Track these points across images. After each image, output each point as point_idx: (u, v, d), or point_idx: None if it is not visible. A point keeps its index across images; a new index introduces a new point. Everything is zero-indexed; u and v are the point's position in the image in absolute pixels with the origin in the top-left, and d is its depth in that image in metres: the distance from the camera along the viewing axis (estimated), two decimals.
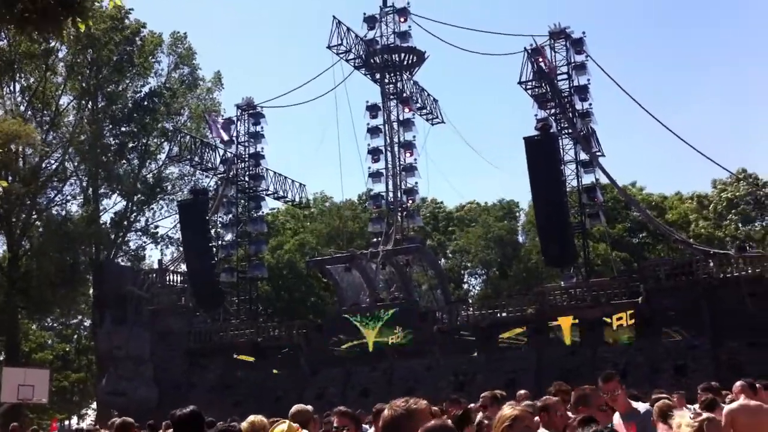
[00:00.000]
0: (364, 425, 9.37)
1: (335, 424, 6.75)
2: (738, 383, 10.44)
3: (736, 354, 32.83)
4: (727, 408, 9.26)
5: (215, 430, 7.18)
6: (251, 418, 6.98)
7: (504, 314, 38.93)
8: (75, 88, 54.30)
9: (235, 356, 42.30)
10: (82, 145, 52.83)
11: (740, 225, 61.44)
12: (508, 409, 4.95)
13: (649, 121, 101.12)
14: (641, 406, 7.75)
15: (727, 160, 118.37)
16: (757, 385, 10.75)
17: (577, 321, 36.39)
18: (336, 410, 7.11)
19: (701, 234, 56.92)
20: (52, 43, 49.68)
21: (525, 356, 36.81)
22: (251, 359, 42.08)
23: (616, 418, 7.48)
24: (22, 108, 52.25)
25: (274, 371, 41.29)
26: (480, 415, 8.26)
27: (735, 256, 36.51)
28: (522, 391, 10.75)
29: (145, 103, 56.54)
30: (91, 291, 50.75)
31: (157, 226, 59.46)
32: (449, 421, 4.34)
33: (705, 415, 5.22)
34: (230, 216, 49.90)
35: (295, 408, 8.09)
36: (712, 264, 36.17)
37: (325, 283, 57.71)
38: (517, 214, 69.52)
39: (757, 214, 61.92)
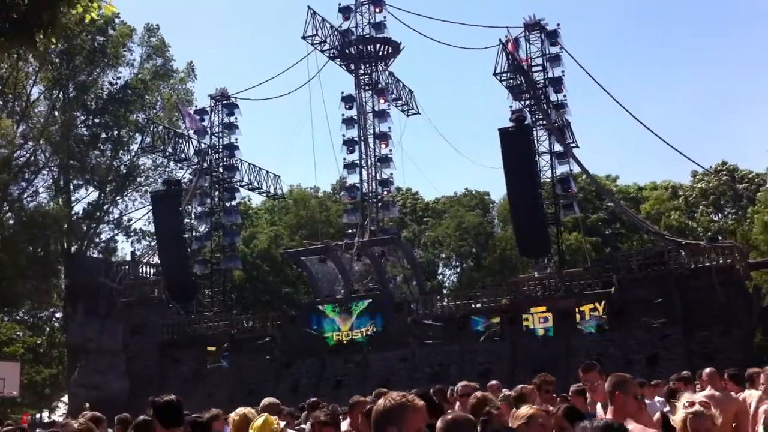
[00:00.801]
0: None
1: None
2: (706, 371, 10.45)
3: (708, 343, 33.22)
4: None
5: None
6: (241, 410, 6.91)
7: (478, 305, 39.06)
8: (47, 77, 53.65)
9: (208, 348, 42.09)
10: (54, 136, 52.24)
11: (713, 216, 62.15)
12: (524, 408, 5.00)
13: (623, 113, 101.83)
14: None
15: (708, 152, 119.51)
16: (725, 375, 10.79)
17: (550, 312, 36.64)
18: (316, 420, 6.98)
19: (673, 225, 57.45)
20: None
21: (499, 347, 36.97)
22: (225, 351, 41.91)
23: (598, 409, 7.45)
24: None
25: (248, 363, 41.16)
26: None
27: (706, 247, 36.87)
28: (493, 382, 10.75)
29: (119, 95, 56.03)
30: (63, 283, 50.24)
31: (130, 219, 59.05)
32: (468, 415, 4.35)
33: (695, 407, 5.16)
34: (204, 207, 49.60)
35: (266, 401, 8.05)
36: (684, 254, 36.54)
37: (299, 274, 57.56)
38: (489, 205, 69.72)
39: (733, 205, 62.58)
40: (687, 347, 33.65)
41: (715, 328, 33.47)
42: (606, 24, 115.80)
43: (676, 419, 5.23)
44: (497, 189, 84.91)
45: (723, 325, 33.46)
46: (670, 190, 64.91)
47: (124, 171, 57.06)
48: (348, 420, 8.30)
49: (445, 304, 40.61)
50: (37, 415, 60.98)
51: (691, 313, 34.06)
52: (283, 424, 7.01)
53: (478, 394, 7.05)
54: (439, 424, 3.95)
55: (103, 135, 56.18)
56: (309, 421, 9.13)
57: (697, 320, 33.80)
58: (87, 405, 30.43)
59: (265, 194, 53.89)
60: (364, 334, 39.39)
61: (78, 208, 56.39)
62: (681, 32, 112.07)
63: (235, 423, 6.78)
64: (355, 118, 47.06)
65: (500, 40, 41.25)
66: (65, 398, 53.99)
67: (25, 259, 47.21)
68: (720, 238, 42.06)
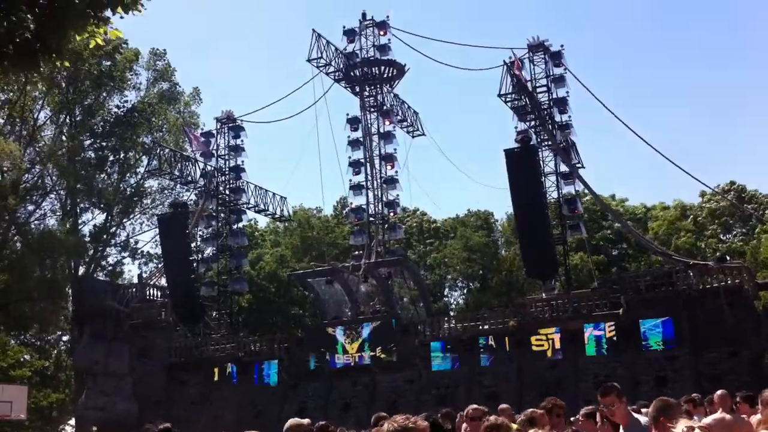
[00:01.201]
0: None
1: None
2: (717, 393, 10.37)
3: (716, 365, 33.01)
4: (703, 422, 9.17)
5: None
6: None
7: (486, 327, 38.91)
8: (54, 101, 54.00)
9: (215, 371, 42.02)
10: (61, 160, 52.48)
11: (721, 236, 61.92)
12: None
13: (629, 133, 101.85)
14: (643, 419, 7.59)
15: (716, 171, 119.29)
16: (738, 398, 10.68)
17: (558, 333, 36.47)
18: None
19: (682, 246, 57.25)
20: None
21: (506, 369, 36.80)
22: (232, 374, 41.83)
23: None
24: (0, 121, 51.89)
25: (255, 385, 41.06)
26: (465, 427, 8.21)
27: (715, 267, 36.69)
28: (504, 405, 10.66)
29: (126, 118, 56.34)
30: (70, 306, 50.27)
31: (137, 241, 59.18)
32: None
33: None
34: (210, 229, 49.69)
35: (291, 422, 7.92)
36: (692, 275, 36.37)
37: (305, 295, 57.52)
38: (493, 224, 69.60)
39: (740, 226, 62.39)
40: (695, 369, 33.45)
41: (723, 350, 33.27)
42: (610, 44, 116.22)
43: None
44: (503, 209, 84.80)
45: (731, 347, 33.27)
46: (679, 211, 64.80)
47: (131, 192, 57.21)
48: None
49: (452, 326, 40.45)
50: None
51: (700, 334, 33.87)
52: None
53: (492, 418, 7.01)
54: None
55: (111, 158, 56.44)
56: None
57: (706, 341, 33.60)
58: (94, 429, 30.40)
59: (271, 216, 53.99)
60: (372, 357, 39.28)
61: (85, 230, 56.59)
62: (686, 52, 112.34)
63: None
64: (361, 139, 47.19)
65: (504, 61, 41.43)
66: (72, 422, 53.88)
67: (32, 282, 47.24)
68: (728, 258, 41.84)
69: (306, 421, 8.48)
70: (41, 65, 6.31)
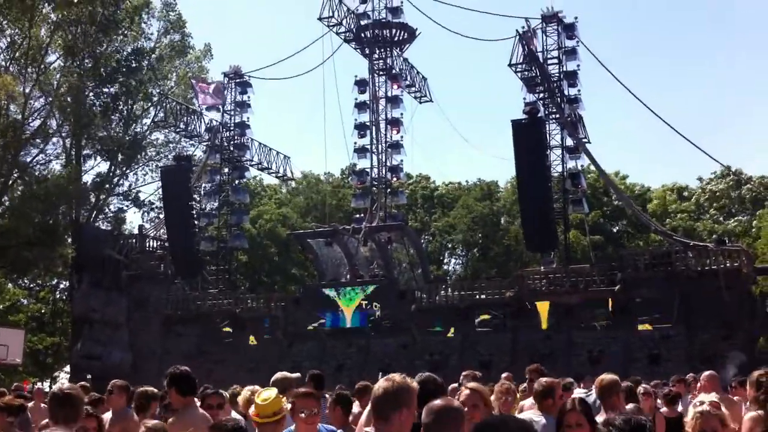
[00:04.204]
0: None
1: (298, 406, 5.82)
2: (706, 374, 10.22)
3: (710, 346, 33.15)
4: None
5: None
6: (250, 387, 6.99)
7: (482, 296, 39.04)
8: (60, 45, 53.53)
9: (212, 325, 42.24)
10: (66, 104, 52.18)
11: (721, 219, 61.88)
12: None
13: (637, 110, 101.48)
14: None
15: (715, 154, 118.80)
16: (732, 382, 10.64)
17: (553, 306, 36.57)
18: (296, 391, 6.19)
19: (679, 226, 57.25)
20: None
21: (500, 339, 36.97)
22: (228, 329, 42.04)
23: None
24: (5, 64, 51.45)
25: (251, 341, 41.29)
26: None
27: (714, 249, 36.71)
28: (506, 374, 10.65)
29: (133, 64, 55.82)
30: (69, 252, 50.33)
31: (139, 191, 59.09)
32: None
33: (704, 407, 5.20)
34: (213, 185, 49.65)
35: (278, 375, 7.96)
36: (691, 255, 36.39)
37: (305, 256, 57.65)
38: (497, 194, 69.55)
39: (738, 210, 62.35)
40: (688, 349, 33.60)
41: (718, 331, 33.39)
42: (622, 17, 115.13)
43: (687, 419, 5.28)
44: (506, 180, 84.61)
45: (726, 329, 33.38)
46: (677, 192, 64.80)
47: (135, 141, 56.94)
48: (357, 403, 8.35)
49: (449, 293, 40.57)
50: (38, 384, 61.33)
51: (695, 314, 33.96)
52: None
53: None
54: (425, 411, 3.89)
55: (116, 106, 56.12)
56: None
57: (701, 323, 33.71)
58: (88, 376, 30.59)
59: (274, 175, 53.91)
60: (367, 320, 39.46)
61: (87, 178, 56.44)
62: (691, 35, 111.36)
63: (245, 399, 6.83)
64: (368, 102, 46.96)
65: (517, 30, 41.04)
66: (67, 368, 54.27)
67: (33, 227, 47.23)
68: (727, 241, 41.82)
69: (296, 375, 8.51)
70: None
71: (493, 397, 7.13)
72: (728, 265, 35.11)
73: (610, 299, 35.76)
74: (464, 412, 4.03)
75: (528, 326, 36.78)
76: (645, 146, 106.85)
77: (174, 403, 6.85)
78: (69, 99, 51.93)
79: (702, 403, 5.27)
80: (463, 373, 9.06)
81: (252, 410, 5.79)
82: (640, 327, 34.92)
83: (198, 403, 7.05)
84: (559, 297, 36.76)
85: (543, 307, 36.67)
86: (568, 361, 33.45)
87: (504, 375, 10.17)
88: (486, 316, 37.84)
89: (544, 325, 36.49)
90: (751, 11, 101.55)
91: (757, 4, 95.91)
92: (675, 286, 34.69)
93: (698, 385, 10.73)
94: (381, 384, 4.07)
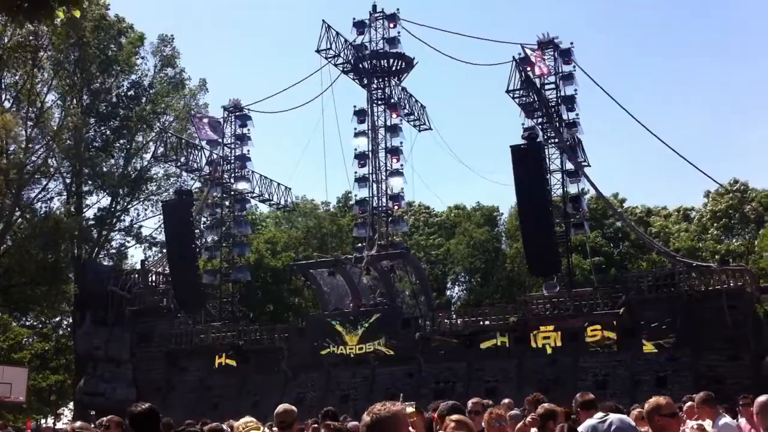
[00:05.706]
0: None
1: None
2: (699, 396, 9.50)
3: (716, 367, 32.98)
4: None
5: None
6: (244, 419, 6.99)
7: (486, 322, 38.90)
8: (61, 85, 53.96)
9: (216, 359, 42.08)
10: (67, 142, 52.45)
11: (723, 238, 61.79)
12: None
13: (635, 133, 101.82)
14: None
15: (718, 171, 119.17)
16: (740, 402, 10.47)
17: (558, 331, 36.43)
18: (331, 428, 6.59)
19: (682, 247, 57.16)
20: (41, 40, 49.52)
21: (506, 365, 36.79)
22: (233, 362, 41.87)
23: None
24: (7, 104, 51.82)
25: (255, 374, 41.11)
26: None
27: (717, 270, 36.63)
28: (506, 400, 10.61)
29: (132, 102, 56.24)
30: (72, 290, 50.30)
31: (141, 226, 59.18)
32: None
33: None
34: (214, 218, 49.73)
35: (280, 408, 7.93)
36: (694, 276, 36.31)
37: (307, 286, 57.54)
38: (498, 219, 69.51)
39: (741, 228, 62.25)
40: (695, 370, 33.41)
41: (723, 352, 33.24)
42: (619, 43, 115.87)
43: None
44: (507, 206, 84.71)
45: (732, 350, 33.23)
46: (682, 213, 64.69)
47: (136, 176, 57.15)
48: None
49: (453, 320, 40.42)
50: (42, 421, 60.99)
51: (700, 336, 33.82)
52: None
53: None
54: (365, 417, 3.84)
55: (116, 142, 56.42)
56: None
57: (706, 343, 33.56)
58: (92, 413, 30.42)
59: (275, 206, 54.00)
60: (372, 349, 39.30)
61: (89, 214, 56.57)
62: (690, 54, 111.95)
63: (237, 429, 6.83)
64: (367, 132, 47.13)
65: (513, 57, 41.30)
66: (71, 405, 53.98)
67: (35, 264, 47.25)
68: (730, 261, 41.78)
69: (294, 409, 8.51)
70: (55, 16, 6.17)
71: (484, 424, 7.15)
72: (732, 285, 35.02)
73: (615, 321, 35.63)
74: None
75: (533, 351, 36.63)
76: (645, 167, 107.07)
77: None
78: (69, 138, 52.24)
79: (701, 426, 5.25)
80: (471, 401, 8.96)
81: None
82: (645, 349, 34.76)
83: None
84: (564, 321, 36.63)
85: (548, 332, 36.58)
86: (575, 386, 33.25)
87: (505, 401, 10.12)
88: (490, 343, 37.69)
89: (549, 350, 36.34)
90: (749, 31, 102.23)
91: (755, 23, 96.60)
92: (679, 307, 34.59)
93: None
94: (365, 416, 3.97)
